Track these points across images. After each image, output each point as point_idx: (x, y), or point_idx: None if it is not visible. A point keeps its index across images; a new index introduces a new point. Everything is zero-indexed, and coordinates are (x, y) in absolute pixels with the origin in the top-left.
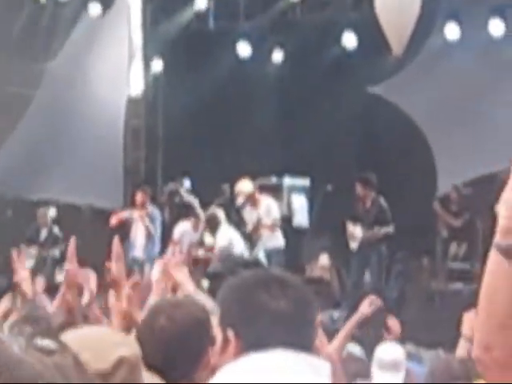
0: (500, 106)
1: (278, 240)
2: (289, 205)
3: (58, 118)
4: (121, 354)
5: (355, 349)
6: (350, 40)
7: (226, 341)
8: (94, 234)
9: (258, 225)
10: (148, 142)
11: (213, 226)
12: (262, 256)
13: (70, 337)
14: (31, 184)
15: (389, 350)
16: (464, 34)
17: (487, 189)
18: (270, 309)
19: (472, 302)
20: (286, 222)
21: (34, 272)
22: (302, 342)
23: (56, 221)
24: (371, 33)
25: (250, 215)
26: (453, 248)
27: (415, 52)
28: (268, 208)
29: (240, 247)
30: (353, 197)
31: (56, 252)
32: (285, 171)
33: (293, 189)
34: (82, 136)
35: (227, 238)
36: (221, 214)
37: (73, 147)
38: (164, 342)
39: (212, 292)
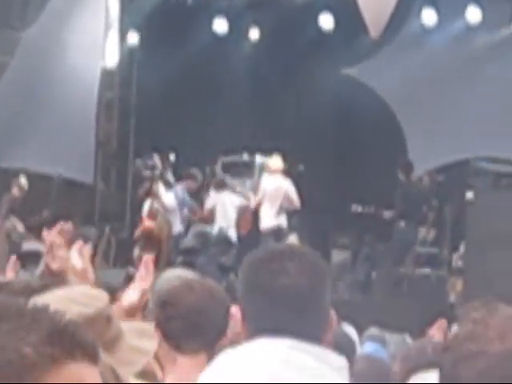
0: (474, 92)
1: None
2: (259, 182)
3: (32, 87)
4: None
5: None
6: (327, 21)
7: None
8: (64, 203)
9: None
10: (120, 114)
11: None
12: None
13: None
14: (2, 152)
15: None
16: (441, 20)
17: (458, 175)
18: (269, 287)
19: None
20: None
21: None
22: (308, 325)
23: (27, 190)
24: (349, 15)
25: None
26: (421, 233)
27: (392, 36)
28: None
29: None
30: (325, 175)
31: None
32: (257, 149)
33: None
34: (55, 106)
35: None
36: None
37: (46, 117)
38: (196, 305)
39: (186, 267)
